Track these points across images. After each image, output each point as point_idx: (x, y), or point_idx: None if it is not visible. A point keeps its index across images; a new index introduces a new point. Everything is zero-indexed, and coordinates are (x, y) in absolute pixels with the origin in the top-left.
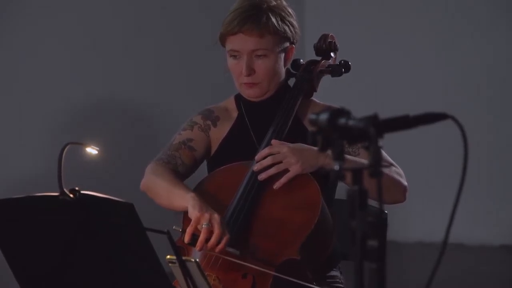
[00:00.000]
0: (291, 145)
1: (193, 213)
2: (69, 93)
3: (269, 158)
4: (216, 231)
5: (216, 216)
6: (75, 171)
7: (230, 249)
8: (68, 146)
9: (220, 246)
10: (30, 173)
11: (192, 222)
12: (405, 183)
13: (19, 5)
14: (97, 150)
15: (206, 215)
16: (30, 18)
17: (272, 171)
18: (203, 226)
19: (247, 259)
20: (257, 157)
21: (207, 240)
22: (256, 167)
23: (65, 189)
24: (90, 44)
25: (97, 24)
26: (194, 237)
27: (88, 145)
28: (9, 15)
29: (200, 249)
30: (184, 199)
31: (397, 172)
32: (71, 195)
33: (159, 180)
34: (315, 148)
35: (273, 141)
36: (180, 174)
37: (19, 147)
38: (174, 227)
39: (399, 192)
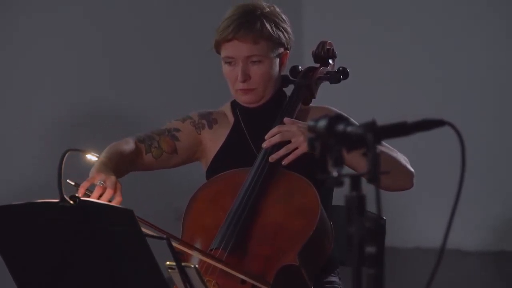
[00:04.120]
0: (301, 123)
1: (91, 172)
2: (69, 99)
3: (277, 136)
4: (107, 189)
5: (112, 177)
6: (75, 177)
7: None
8: (68, 152)
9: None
10: (30, 180)
11: (88, 179)
12: (412, 169)
13: (16, 9)
14: (97, 157)
15: (102, 175)
16: (29, 23)
17: (282, 151)
18: (97, 184)
19: (246, 264)
20: (266, 136)
21: (100, 198)
22: (265, 144)
23: (65, 196)
24: (92, 50)
25: (96, 31)
26: (89, 192)
27: (88, 152)
28: (8, 18)
29: None
30: (96, 161)
31: (404, 158)
32: (71, 202)
33: (113, 147)
34: None
35: (285, 119)
36: (150, 156)
37: (19, 153)
38: (67, 180)
39: (407, 178)
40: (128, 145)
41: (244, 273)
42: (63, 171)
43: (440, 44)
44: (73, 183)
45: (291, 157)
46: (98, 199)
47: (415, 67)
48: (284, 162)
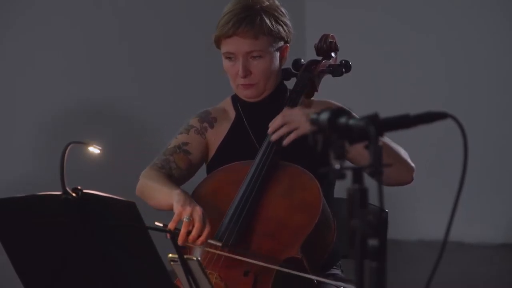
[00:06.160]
0: (304, 109)
1: (176, 208)
2: (71, 93)
3: (279, 119)
4: (197, 224)
5: (197, 209)
6: (77, 170)
7: (212, 241)
8: (70, 145)
9: (201, 238)
10: (32, 173)
11: (174, 217)
12: (413, 164)
13: (17, 9)
14: (99, 149)
15: (188, 209)
16: (29, 20)
17: (283, 130)
18: (184, 220)
19: (249, 257)
20: (270, 124)
21: (189, 233)
22: (270, 132)
23: (67, 188)
24: (92, 45)
25: (98, 26)
26: (177, 231)
27: (90, 144)
28: (7, 18)
29: (182, 243)
30: (170, 196)
31: (404, 152)
32: (74, 194)
33: (150, 182)
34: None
35: (285, 109)
36: (174, 178)
37: (21, 147)
38: (156, 223)
39: (409, 172)
40: (164, 175)
41: (250, 257)
42: (66, 163)
43: (446, 38)
44: (161, 225)
45: (292, 136)
46: (188, 235)
47: (418, 61)
48: (285, 142)
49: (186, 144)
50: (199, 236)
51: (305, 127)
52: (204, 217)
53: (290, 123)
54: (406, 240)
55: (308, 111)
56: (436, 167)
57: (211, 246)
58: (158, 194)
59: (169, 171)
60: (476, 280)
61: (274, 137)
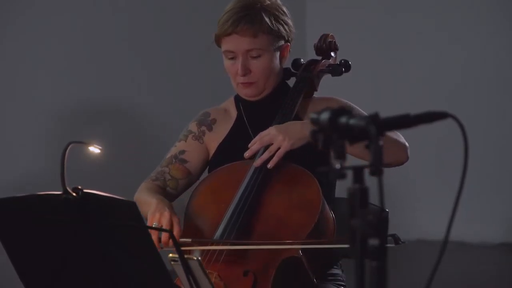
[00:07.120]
0: (279, 125)
1: (148, 217)
2: (71, 93)
3: (257, 143)
4: (164, 227)
5: (165, 214)
6: (77, 170)
7: (182, 239)
8: (70, 145)
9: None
10: (32, 173)
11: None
12: (405, 141)
13: (18, 8)
14: (99, 149)
15: (157, 215)
16: (29, 20)
17: (265, 155)
18: (154, 226)
19: (250, 257)
20: (249, 145)
21: (161, 239)
22: (247, 153)
23: (68, 188)
24: (93, 44)
25: (98, 26)
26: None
27: (91, 144)
28: (10, 16)
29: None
30: (150, 206)
31: (395, 132)
32: (74, 194)
33: (140, 196)
34: (301, 121)
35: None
36: (169, 188)
37: (21, 147)
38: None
39: (402, 151)
40: (154, 187)
41: (263, 244)
42: (66, 163)
43: (446, 38)
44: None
45: (275, 159)
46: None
47: (418, 60)
48: (269, 166)
49: (183, 152)
50: (169, 238)
51: (286, 145)
52: (170, 220)
53: (270, 144)
54: (407, 240)
55: (283, 126)
56: (436, 167)
57: (202, 243)
58: (145, 207)
59: (163, 183)
60: (476, 280)
61: (258, 163)
